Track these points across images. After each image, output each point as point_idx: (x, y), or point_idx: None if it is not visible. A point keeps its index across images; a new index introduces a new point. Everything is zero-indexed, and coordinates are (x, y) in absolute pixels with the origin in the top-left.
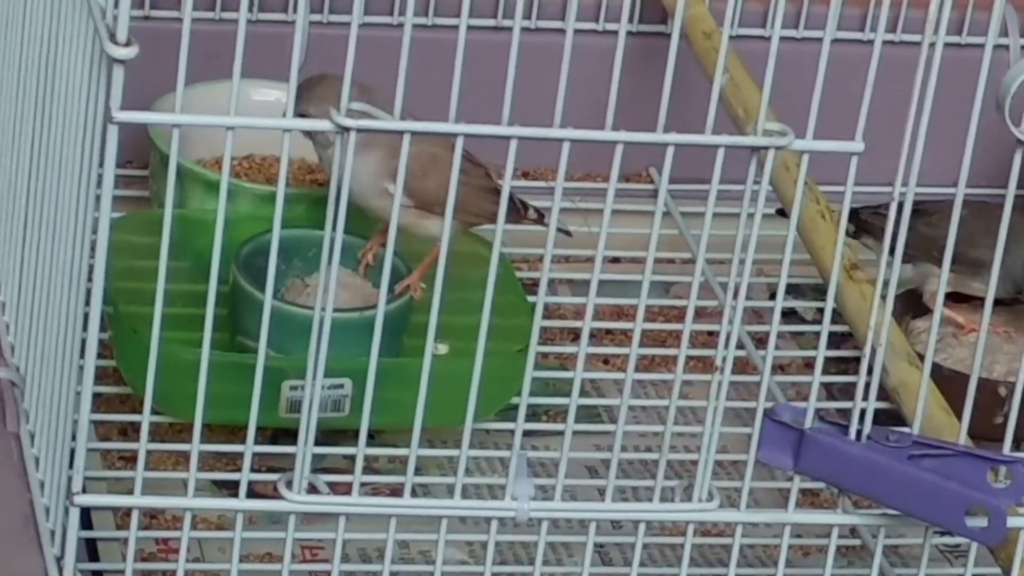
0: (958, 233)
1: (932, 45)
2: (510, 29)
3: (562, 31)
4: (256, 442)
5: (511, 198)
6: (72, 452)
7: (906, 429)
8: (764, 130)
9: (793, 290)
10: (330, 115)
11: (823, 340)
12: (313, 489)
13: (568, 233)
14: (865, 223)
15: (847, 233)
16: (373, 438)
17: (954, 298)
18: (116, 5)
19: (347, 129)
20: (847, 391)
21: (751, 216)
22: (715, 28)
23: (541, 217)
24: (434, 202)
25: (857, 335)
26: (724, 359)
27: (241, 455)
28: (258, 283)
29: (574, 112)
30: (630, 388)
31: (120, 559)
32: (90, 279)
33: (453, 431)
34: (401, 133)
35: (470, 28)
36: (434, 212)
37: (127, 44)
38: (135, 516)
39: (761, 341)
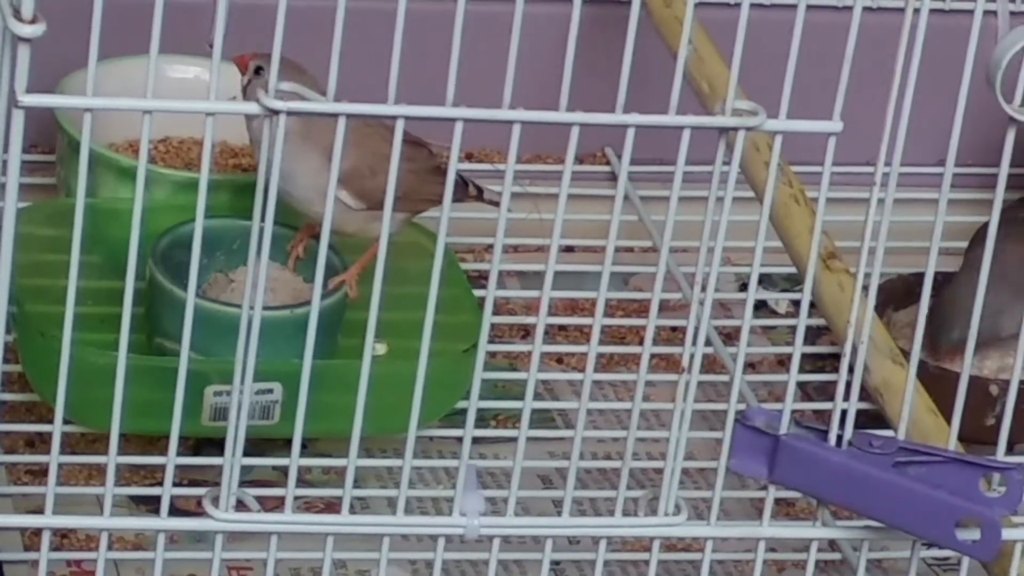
0: None
1: (916, 11)
2: None
3: None
4: (178, 453)
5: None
6: None
7: (891, 433)
8: (733, 109)
9: (763, 280)
10: (257, 97)
11: (799, 336)
12: (241, 505)
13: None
14: None
15: None
16: (306, 448)
17: None
18: None
19: (276, 112)
20: (824, 390)
21: (720, 200)
22: None
23: (480, 193)
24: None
25: (835, 330)
26: (692, 357)
27: (161, 468)
28: (178, 279)
29: (521, 88)
30: (589, 389)
31: None
32: None
33: (394, 439)
34: (336, 116)
35: None
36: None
37: (33, 21)
38: (46, 537)
39: (729, 337)
